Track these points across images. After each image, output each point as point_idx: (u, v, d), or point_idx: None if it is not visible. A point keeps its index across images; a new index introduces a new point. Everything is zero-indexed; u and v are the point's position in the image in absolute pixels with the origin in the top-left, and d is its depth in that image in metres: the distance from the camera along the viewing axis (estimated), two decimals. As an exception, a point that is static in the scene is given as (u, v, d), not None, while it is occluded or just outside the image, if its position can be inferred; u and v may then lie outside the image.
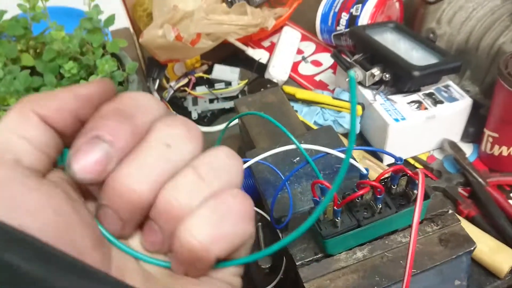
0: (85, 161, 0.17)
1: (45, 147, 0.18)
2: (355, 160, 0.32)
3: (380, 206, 0.31)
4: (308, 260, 0.32)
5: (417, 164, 0.61)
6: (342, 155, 0.30)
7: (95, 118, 0.18)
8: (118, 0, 0.80)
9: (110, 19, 0.51)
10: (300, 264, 0.32)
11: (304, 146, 0.31)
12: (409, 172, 0.30)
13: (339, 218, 0.30)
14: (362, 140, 0.64)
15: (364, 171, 0.31)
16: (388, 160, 0.60)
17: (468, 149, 0.61)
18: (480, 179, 0.56)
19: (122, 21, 0.85)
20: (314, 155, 0.48)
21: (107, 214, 0.18)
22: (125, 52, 0.57)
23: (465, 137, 0.62)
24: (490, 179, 0.56)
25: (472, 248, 0.33)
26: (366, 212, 0.32)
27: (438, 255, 0.33)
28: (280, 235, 0.35)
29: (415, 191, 0.31)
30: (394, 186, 0.32)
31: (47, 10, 0.52)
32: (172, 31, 0.63)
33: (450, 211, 0.35)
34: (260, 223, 0.52)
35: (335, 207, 0.30)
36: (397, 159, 0.31)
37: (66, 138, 0.19)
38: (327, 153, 0.30)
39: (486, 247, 0.50)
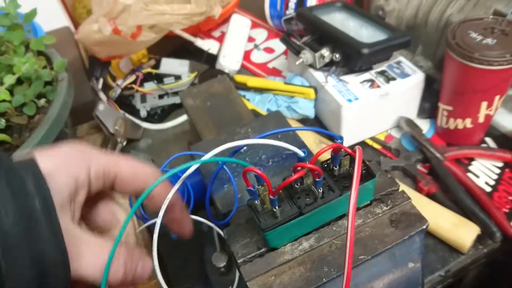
0: None
1: None
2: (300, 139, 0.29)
3: (321, 190, 0.28)
4: (250, 256, 0.30)
5: (375, 145, 0.59)
6: (273, 142, 0.28)
7: None
8: (55, -2, 0.75)
9: (31, 14, 0.47)
10: (242, 262, 0.30)
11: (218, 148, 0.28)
12: (347, 149, 0.27)
13: (277, 207, 0.28)
14: (319, 124, 0.62)
15: (301, 154, 0.28)
16: (346, 143, 0.58)
17: (425, 125, 0.60)
18: (438, 154, 0.54)
19: (61, 20, 0.80)
20: (266, 146, 0.45)
21: None
22: (56, 50, 0.52)
23: (421, 113, 0.61)
24: (447, 153, 0.55)
25: (424, 227, 0.31)
26: (308, 198, 0.29)
27: (389, 237, 0.30)
28: (222, 232, 0.32)
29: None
30: (336, 167, 0.29)
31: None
32: (108, 25, 0.59)
33: (400, 189, 0.33)
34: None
35: (270, 196, 0.27)
36: (337, 137, 0.28)
37: None
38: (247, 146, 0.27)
39: (448, 223, 0.48)
